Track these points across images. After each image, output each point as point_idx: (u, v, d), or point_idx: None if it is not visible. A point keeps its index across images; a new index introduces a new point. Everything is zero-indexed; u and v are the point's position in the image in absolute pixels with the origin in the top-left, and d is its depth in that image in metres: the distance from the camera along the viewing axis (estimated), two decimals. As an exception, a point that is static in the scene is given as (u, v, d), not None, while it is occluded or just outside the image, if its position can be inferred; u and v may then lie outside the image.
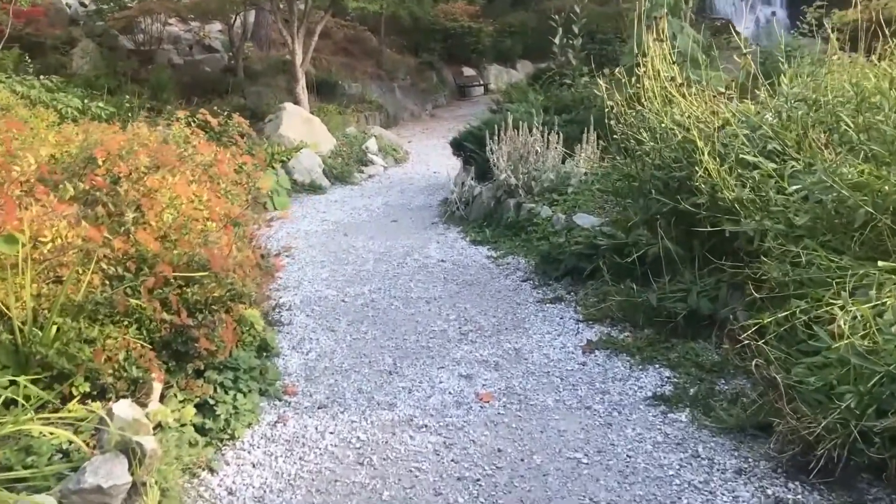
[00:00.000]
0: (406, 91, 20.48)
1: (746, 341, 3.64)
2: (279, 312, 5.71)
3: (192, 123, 6.68)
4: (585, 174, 7.94)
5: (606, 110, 5.94)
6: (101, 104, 8.30)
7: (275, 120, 11.70)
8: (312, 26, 12.90)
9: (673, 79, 5.65)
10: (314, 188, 10.80)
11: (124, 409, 3.04)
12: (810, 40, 12.16)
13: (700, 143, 4.80)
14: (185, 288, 4.27)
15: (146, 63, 17.01)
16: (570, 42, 10.68)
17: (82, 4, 18.58)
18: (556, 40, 10.30)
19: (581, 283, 6.01)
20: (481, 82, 23.85)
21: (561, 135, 8.15)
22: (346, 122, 14.50)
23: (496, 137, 8.33)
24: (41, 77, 8.42)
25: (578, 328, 5.21)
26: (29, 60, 14.79)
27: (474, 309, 5.74)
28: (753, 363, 3.54)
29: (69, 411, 3.35)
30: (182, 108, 14.62)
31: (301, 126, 11.66)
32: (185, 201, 4.85)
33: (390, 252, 7.53)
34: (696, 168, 4.94)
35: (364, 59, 21.59)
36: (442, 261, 7.10)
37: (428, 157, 13.50)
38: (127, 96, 14.41)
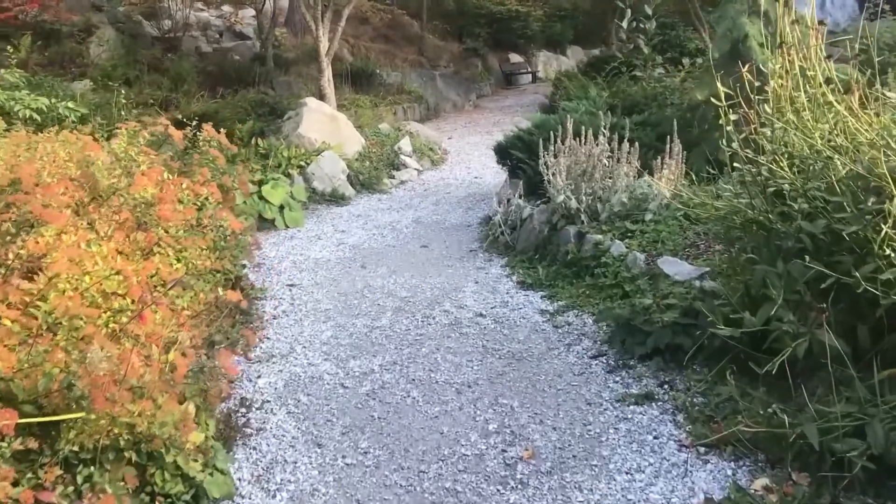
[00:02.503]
0: (448, 80, 18.52)
1: None
2: (247, 412, 3.90)
3: (155, 135, 4.87)
4: (668, 198, 5.96)
5: (723, 122, 3.94)
6: (70, 104, 6.62)
7: (294, 118, 9.89)
8: (340, 9, 11.02)
9: (829, 80, 3.65)
10: (336, 198, 8.97)
11: None
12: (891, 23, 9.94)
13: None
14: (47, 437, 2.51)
15: (171, 51, 15.39)
16: (640, 26, 8.63)
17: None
18: (624, 24, 8.24)
19: (679, 368, 4.08)
20: (529, 70, 21.74)
21: (635, 145, 6.17)
22: (380, 116, 12.64)
23: (552, 146, 6.38)
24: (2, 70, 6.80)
25: (686, 465, 3.28)
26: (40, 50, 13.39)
27: (525, 410, 3.85)
28: None
29: None
30: (201, 101, 13.03)
31: (324, 124, 9.83)
32: (89, 271, 3.06)
33: (415, 296, 5.67)
34: (880, 220, 3.07)
35: (405, 46, 19.67)
36: (481, 315, 5.21)
37: (469, 156, 11.56)
38: (147, 88, 12.87)
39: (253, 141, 9.45)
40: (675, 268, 4.88)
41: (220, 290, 3.71)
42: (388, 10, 17.09)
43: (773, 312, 3.44)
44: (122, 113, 8.64)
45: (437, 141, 12.01)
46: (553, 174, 6.09)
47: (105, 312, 3.14)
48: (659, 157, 6.16)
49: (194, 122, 10.16)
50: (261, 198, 7.93)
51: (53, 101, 6.51)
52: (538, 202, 6.84)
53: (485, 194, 9.05)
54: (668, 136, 6.28)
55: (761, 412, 3.22)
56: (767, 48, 6.78)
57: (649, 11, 8.16)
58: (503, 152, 7.72)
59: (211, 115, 9.99)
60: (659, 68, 8.11)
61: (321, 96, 10.76)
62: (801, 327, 3.33)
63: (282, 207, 8.02)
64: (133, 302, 3.13)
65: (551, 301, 5.37)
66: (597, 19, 20.56)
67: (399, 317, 5.27)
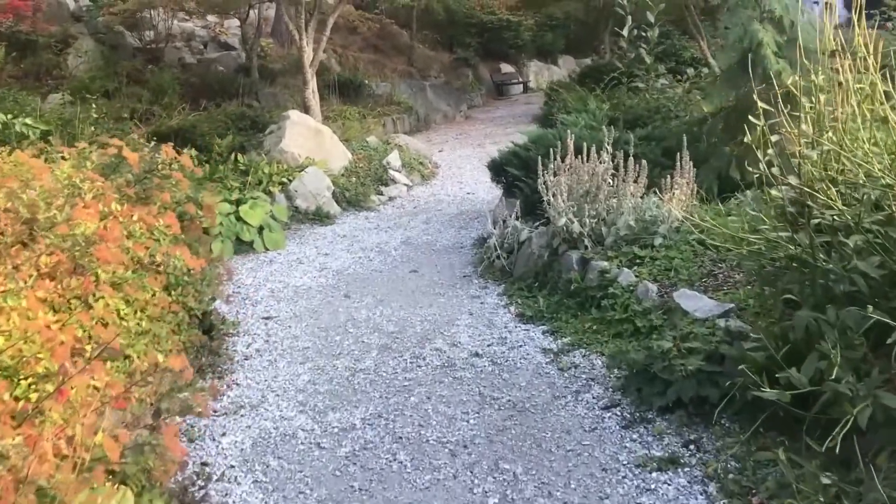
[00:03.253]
0: (438, 90, 17.97)
1: None
2: (206, 484, 3.30)
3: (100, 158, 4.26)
4: (680, 220, 5.41)
5: (766, 143, 3.37)
6: (28, 121, 6.02)
7: (276, 132, 9.31)
8: (325, 17, 10.45)
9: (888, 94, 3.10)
10: (320, 217, 8.38)
11: None
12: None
13: None
14: None
15: (153, 62, 14.79)
16: (642, 34, 8.07)
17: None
18: (625, 32, 7.68)
19: (705, 423, 3.52)
20: (520, 80, 21.23)
21: (642, 162, 5.61)
22: (368, 129, 12.06)
23: (551, 164, 5.82)
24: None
25: (727, 557, 2.70)
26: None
27: (530, 478, 3.27)
28: None
29: None
30: (182, 114, 12.43)
31: (308, 139, 9.25)
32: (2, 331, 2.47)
33: (403, 331, 5.09)
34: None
35: (394, 56, 19.13)
36: (476, 355, 4.63)
37: (461, 170, 11.00)
38: (126, 101, 12.27)
39: (232, 156, 8.86)
40: (695, 303, 4.32)
41: (160, 356, 3.09)
42: (377, 19, 16.52)
43: (822, 367, 2.88)
44: (93, 128, 8.03)
45: (427, 154, 11.44)
46: (553, 195, 5.52)
47: (24, 380, 2.55)
48: (668, 176, 5.61)
49: (171, 137, 9.72)
50: (238, 219, 7.34)
51: (9, 117, 5.92)
52: (536, 224, 6.27)
53: (478, 212, 8.48)
54: (677, 152, 5.74)
55: (821, 500, 2.64)
56: (783, 57, 6.28)
57: (651, 19, 7.61)
58: (498, 169, 7.16)
59: (188, 130, 9.43)
60: (662, 79, 7.57)
61: (305, 108, 10.18)
62: (861, 388, 2.76)
63: (261, 229, 7.43)
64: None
65: (555, 337, 4.79)
66: (588, 28, 20.06)
67: (385, 357, 4.68)
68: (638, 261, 5.21)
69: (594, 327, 4.79)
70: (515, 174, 6.72)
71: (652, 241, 5.34)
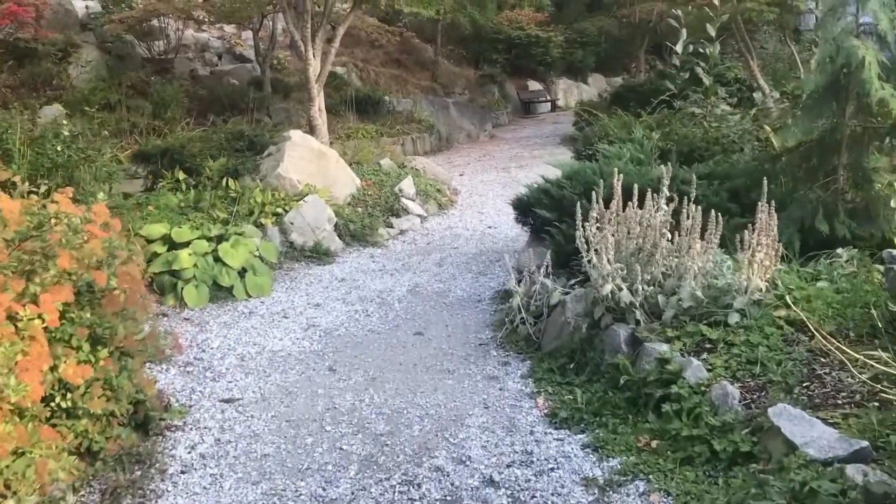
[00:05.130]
0: (462, 108, 16.68)
1: None
2: None
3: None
4: (762, 291, 4.04)
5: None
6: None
7: (274, 154, 8.05)
8: (335, 27, 9.20)
9: None
10: (318, 254, 7.09)
11: None
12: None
13: None
14: None
15: (161, 74, 13.70)
16: (699, 51, 6.67)
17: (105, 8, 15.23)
18: (679, 47, 6.27)
19: None
20: (548, 98, 19.91)
21: (712, 213, 4.25)
22: (383, 150, 10.78)
23: (592, 209, 4.47)
24: None
25: None
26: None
27: None
28: None
29: None
30: (186, 129, 11.25)
31: (309, 163, 7.98)
32: None
33: (396, 433, 3.76)
34: None
35: (417, 72, 17.90)
36: (491, 482, 3.28)
37: (482, 199, 9.68)
38: (129, 114, 11.16)
39: (224, 182, 7.62)
40: (804, 429, 2.95)
41: None
42: (398, 31, 15.27)
43: None
44: (59, 149, 6.82)
45: (445, 179, 10.12)
46: (597, 252, 4.16)
47: None
48: (743, 229, 4.24)
49: (158, 158, 8.50)
50: (217, 259, 6.07)
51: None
52: (571, 282, 4.93)
53: (500, 251, 7.15)
54: (746, 194, 4.39)
55: None
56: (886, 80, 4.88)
57: (712, 32, 6.23)
58: (525, 209, 5.82)
59: (176, 150, 8.20)
60: (722, 104, 6.19)
61: (311, 128, 8.93)
62: None
63: (244, 271, 6.15)
64: None
65: (599, 457, 3.43)
66: (622, 45, 18.69)
67: (367, 478, 3.35)
68: (708, 346, 3.85)
69: (653, 444, 3.42)
70: (546, 217, 5.38)
71: (725, 317, 3.98)
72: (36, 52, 12.33)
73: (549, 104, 19.83)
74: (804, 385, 3.38)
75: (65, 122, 7.18)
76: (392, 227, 8.06)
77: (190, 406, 4.14)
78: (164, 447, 3.67)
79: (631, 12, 15.68)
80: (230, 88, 13.32)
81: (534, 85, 20.01)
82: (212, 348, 5.01)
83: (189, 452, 3.64)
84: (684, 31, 6.21)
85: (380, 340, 5.09)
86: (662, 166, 4.70)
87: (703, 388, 3.53)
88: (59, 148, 6.83)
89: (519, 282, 5.13)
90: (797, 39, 14.21)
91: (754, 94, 6.14)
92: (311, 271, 6.80)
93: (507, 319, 5.07)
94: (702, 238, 4.16)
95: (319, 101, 8.94)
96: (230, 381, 4.48)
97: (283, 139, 8.22)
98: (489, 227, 8.20)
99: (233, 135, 8.60)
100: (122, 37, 14.02)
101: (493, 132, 16.70)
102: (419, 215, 8.48)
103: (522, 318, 4.90)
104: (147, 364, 4.24)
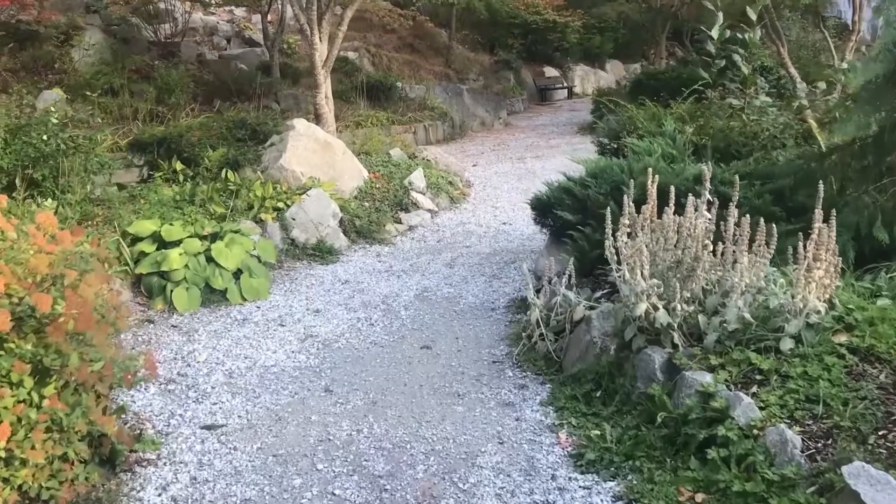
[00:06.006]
0: (477, 95, 16.05)
1: None
2: None
3: None
4: (819, 313, 3.46)
5: None
6: None
7: (277, 144, 7.51)
8: (343, 9, 8.61)
9: None
10: (321, 252, 6.57)
11: None
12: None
13: None
14: None
15: (168, 58, 13.17)
16: (737, 36, 6.02)
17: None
18: (714, 32, 5.61)
19: None
20: (565, 84, 19.23)
21: (761, 222, 3.67)
22: (394, 138, 10.22)
23: (624, 213, 3.89)
24: None
25: None
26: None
27: None
28: None
29: None
30: (191, 115, 10.73)
31: (314, 153, 7.43)
32: None
33: (397, 475, 3.23)
34: None
35: (431, 57, 17.27)
36: (507, 545, 2.75)
37: (497, 192, 9.11)
38: (132, 100, 10.66)
39: (224, 174, 7.10)
40: (889, 500, 2.39)
41: None
42: (410, 15, 14.63)
43: None
44: (46, 138, 6.30)
45: (458, 171, 9.54)
46: (630, 267, 3.59)
47: None
48: (796, 239, 3.65)
49: (154, 148, 7.98)
50: (210, 260, 5.56)
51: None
52: (597, 294, 4.37)
53: (515, 252, 6.60)
54: (791, 196, 3.81)
55: None
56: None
57: (753, 16, 5.57)
58: (544, 209, 5.25)
59: (174, 139, 7.67)
60: (762, 95, 5.55)
61: (317, 116, 8.38)
62: None
63: (239, 273, 5.63)
64: None
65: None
66: (639, 32, 17.94)
67: (361, 536, 2.83)
68: (759, 377, 3.29)
69: (697, 498, 2.88)
70: (568, 219, 4.81)
71: (776, 343, 3.41)
72: (38, 34, 11.84)
73: (566, 91, 19.16)
74: (880, 434, 2.82)
75: (52, 108, 6.64)
76: (401, 222, 7.51)
77: (167, 434, 3.63)
78: (131, 488, 3.16)
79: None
80: (237, 73, 12.77)
81: (550, 71, 19.34)
82: (198, 362, 4.49)
83: (159, 495, 3.13)
84: (720, 14, 5.57)
85: (383, 355, 4.56)
86: (701, 164, 4.10)
87: (755, 432, 2.97)
88: (45, 137, 6.32)
89: (538, 291, 4.57)
90: (825, 26, 13.45)
91: (797, 84, 5.49)
92: (313, 272, 6.27)
93: (524, 334, 4.52)
94: (751, 253, 3.58)
95: (326, 88, 8.38)
96: (215, 404, 3.96)
97: (286, 128, 7.68)
98: (504, 224, 7.63)
99: (234, 123, 8.07)
100: (127, 19, 13.51)
101: (508, 120, 16.08)
102: (430, 210, 7.93)
103: (542, 333, 4.34)
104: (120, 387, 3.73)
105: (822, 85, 5.63)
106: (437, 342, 4.73)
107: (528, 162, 10.86)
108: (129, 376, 3.33)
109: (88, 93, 9.73)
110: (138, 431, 3.59)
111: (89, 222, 6.26)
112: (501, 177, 9.91)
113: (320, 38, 8.13)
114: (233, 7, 15.63)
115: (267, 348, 4.69)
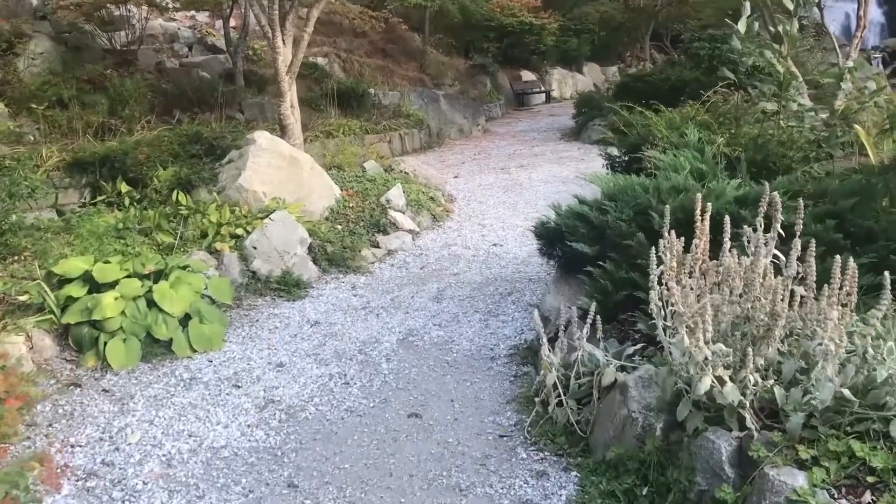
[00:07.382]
0: (453, 101, 15.12)
1: None
2: None
3: None
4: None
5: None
6: None
7: (236, 161, 6.50)
8: (308, 11, 7.62)
9: None
10: (288, 286, 5.58)
11: None
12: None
13: None
14: None
15: (124, 66, 12.06)
16: (770, 30, 5.13)
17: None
18: (741, 25, 4.71)
19: None
20: (543, 89, 18.39)
21: (837, 259, 2.77)
22: (368, 149, 9.25)
23: (669, 250, 2.96)
24: None
25: None
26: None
27: None
28: None
29: None
30: (147, 128, 9.69)
31: (278, 171, 6.44)
32: None
33: None
34: None
35: (404, 62, 16.32)
36: None
37: (483, 206, 8.18)
38: (84, 112, 9.57)
39: (175, 196, 6.10)
40: None
41: None
42: (383, 17, 13.66)
43: None
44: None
45: (439, 185, 8.60)
46: (690, 330, 2.65)
47: None
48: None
49: (96, 167, 6.93)
50: (152, 304, 4.55)
51: None
52: (627, 348, 3.44)
53: (511, 280, 5.67)
54: (845, 217, 2.92)
55: None
56: None
57: (789, 6, 4.69)
58: (551, 239, 4.30)
59: (118, 157, 6.64)
60: (801, 98, 4.68)
61: (282, 128, 7.38)
62: None
63: (187, 318, 4.62)
64: None
65: None
66: (622, 33, 17.13)
67: None
68: (871, 478, 2.38)
69: None
70: (584, 252, 3.88)
71: (885, 426, 2.51)
72: (-23, 44, 10.70)
73: (544, 95, 18.32)
74: None
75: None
76: (378, 246, 6.54)
77: (72, 567, 2.64)
78: None
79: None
80: (199, 82, 11.71)
81: (527, 75, 18.49)
82: (129, 444, 3.49)
83: None
84: (747, 4, 4.68)
85: (362, 427, 3.59)
86: (756, 185, 3.20)
87: (888, 571, 2.07)
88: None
89: (551, 341, 3.63)
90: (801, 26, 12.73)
91: (842, 84, 4.64)
92: (278, 310, 5.28)
93: (536, 399, 3.58)
94: (843, 306, 2.68)
95: (292, 96, 7.38)
96: (137, 515, 2.97)
97: (246, 142, 6.67)
98: (494, 245, 6.70)
99: (188, 137, 7.04)
100: (79, 26, 12.38)
101: (487, 126, 15.18)
102: (410, 230, 6.97)
103: (559, 398, 3.41)
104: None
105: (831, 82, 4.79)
106: (427, 407, 3.78)
107: (513, 172, 9.95)
108: (12, 501, 2.34)
109: (34, 105, 8.72)
110: (29, 569, 2.60)
111: (15, 258, 5.24)
112: (486, 189, 8.99)
113: (283, 40, 7.14)
114: (194, 12, 14.55)
115: (217, 421, 3.70)
